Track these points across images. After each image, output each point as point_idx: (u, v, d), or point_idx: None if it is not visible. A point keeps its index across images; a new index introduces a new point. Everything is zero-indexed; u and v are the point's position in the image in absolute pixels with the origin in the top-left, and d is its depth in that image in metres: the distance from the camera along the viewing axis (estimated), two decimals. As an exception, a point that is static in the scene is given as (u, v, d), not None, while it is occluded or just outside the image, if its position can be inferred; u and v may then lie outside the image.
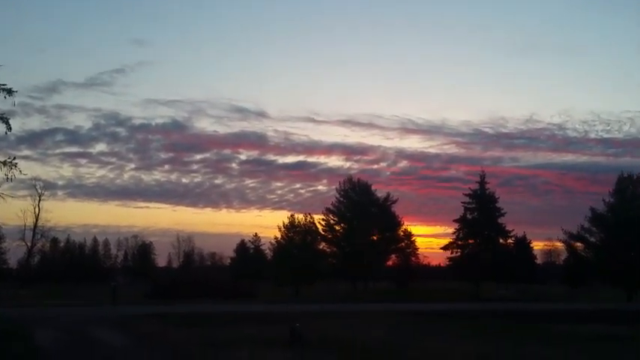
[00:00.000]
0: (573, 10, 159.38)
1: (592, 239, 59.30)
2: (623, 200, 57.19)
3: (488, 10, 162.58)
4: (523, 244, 79.23)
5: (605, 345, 18.14)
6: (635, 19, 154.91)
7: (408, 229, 75.83)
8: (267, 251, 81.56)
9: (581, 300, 53.31)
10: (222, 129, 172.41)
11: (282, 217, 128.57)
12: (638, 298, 54.92)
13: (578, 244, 60.47)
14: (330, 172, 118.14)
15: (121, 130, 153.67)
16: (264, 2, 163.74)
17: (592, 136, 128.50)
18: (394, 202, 72.76)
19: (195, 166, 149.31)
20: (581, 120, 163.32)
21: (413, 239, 76.91)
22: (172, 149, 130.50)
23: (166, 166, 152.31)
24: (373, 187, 73.04)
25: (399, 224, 72.89)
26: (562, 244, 64.95)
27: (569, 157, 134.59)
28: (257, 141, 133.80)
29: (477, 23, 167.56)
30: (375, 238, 71.27)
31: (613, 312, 34.86)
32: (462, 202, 63.07)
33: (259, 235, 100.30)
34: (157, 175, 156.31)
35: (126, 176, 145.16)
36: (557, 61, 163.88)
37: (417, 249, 78.03)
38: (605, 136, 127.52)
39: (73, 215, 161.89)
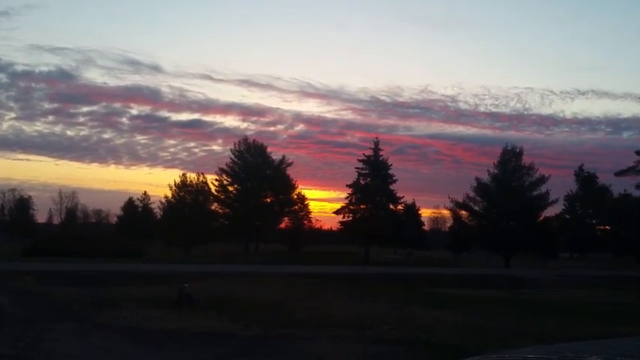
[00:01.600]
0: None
1: (476, 208, 61.81)
2: (505, 171, 59.91)
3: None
4: (412, 210, 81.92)
5: (483, 306, 18.96)
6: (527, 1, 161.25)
7: (302, 193, 76.47)
8: (157, 210, 79.80)
9: (464, 265, 55.76)
10: (112, 81, 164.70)
11: (174, 175, 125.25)
12: (516, 263, 58.06)
13: (463, 212, 62.88)
14: (226, 132, 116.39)
15: (2, 77, 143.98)
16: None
17: (482, 109, 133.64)
18: (289, 165, 73.06)
19: (81, 119, 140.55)
20: (472, 93, 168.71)
21: (306, 203, 77.63)
22: (57, 99, 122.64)
23: (50, 117, 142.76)
24: (269, 150, 72.96)
25: (293, 187, 73.29)
26: (448, 212, 67.51)
27: (459, 129, 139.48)
28: (150, 96, 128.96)
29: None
30: (268, 200, 71.36)
31: (492, 276, 36.63)
32: (356, 168, 64.01)
33: (149, 193, 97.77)
34: (40, 127, 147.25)
35: (5, 126, 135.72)
36: (452, 35, 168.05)
37: (310, 212, 78.87)
38: (494, 110, 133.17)
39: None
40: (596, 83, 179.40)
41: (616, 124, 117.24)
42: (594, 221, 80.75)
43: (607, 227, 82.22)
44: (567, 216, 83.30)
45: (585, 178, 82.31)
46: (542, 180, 60.05)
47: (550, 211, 64.21)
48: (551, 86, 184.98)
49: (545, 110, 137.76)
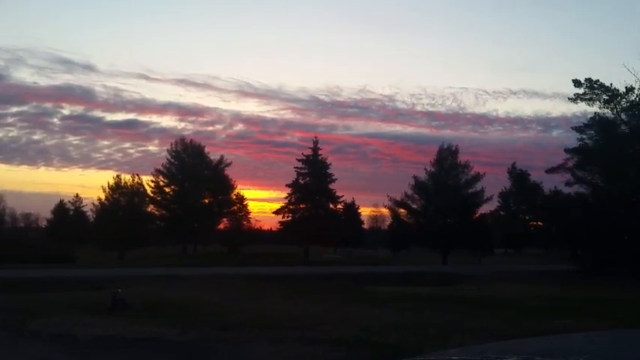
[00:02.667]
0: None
1: (414, 206, 62.68)
2: (441, 170, 60.99)
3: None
4: (352, 209, 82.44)
5: (421, 304, 19.10)
6: (459, 2, 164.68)
7: (241, 193, 75.94)
8: (90, 213, 77.82)
9: (403, 263, 56.33)
10: (43, 81, 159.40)
11: (108, 177, 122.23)
12: (453, 260, 59.05)
13: (402, 210, 63.65)
14: (163, 133, 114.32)
15: None
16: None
17: (419, 108, 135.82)
18: (227, 165, 72.45)
19: (10, 119, 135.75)
20: (409, 93, 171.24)
21: (245, 203, 77.15)
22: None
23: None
24: (207, 150, 72.17)
25: (231, 187, 72.73)
26: (387, 210, 68.17)
27: (397, 128, 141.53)
28: (83, 96, 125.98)
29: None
30: (206, 201, 70.56)
31: (430, 274, 37.04)
32: (295, 168, 64.00)
33: (81, 195, 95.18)
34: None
35: None
36: (390, 36, 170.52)
37: (249, 213, 78.37)
38: (430, 109, 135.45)
39: None
40: (527, 83, 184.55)
41: (546, 123, 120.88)
42: (527, 217, 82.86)
43: (539, 223, 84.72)
44: (502, 212, 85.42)
45: (518, 176, 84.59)
46: (477, 178, 61.44)
47: (485, 208, 65.82)
48: (485, 86, 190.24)
49: (480, 109, 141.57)
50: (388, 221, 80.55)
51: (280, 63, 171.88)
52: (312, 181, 62.77)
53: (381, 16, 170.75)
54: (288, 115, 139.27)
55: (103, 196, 64.49)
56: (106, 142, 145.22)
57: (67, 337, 13.03)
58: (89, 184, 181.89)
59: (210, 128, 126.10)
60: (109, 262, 50.60)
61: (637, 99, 43.18)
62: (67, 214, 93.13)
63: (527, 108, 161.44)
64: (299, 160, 63.85)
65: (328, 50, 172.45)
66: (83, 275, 31.54)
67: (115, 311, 16.70)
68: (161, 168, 69.24)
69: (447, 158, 61.39)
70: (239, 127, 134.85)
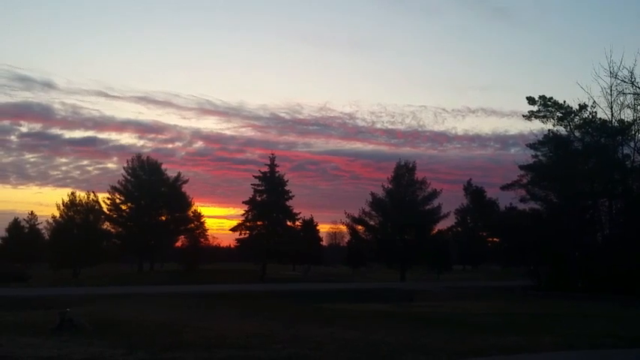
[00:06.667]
0: (364, 8, 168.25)
1: (372, 222, 62.80)
2: (399, 186, 61.36)
3: (290, 0, 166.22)
4: (310, 226, 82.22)
5: (374, 321, 19.06)
6: (418, 22, 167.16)
7: (199, 210, 75.06)
8: (45, 231, 76.10)
9: (361, 280, 56.36)
10: (1, 98, 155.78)
11: (65, 195, 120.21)
12: (411, 277, 59.33)
13: (359, 227, 63.71)
14: (122, 150, 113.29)
15: None
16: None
17: (378, 126, 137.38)
18: (185, 182, 71.70)
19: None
20: (369, 111, 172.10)
21: (203, 220, 76.21)
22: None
23: None
24: (165, 167, 71.48)
25: (189, 205, 71.88)
26: (345, 227, 68.18)
27: (357, 145, 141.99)
28: (41, 113, 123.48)
29: (279, 11, 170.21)
30: (163, 218, 69.66)
31: (386, 290, 37.17)
32: (252, 184, 63.51)
33: (37, 213, 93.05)
34: None
35: None
36: (350, 55, 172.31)
37: (206, 230, 77.37)
38: (390, 127, 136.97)
39: None
40: (485, 102, 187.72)
41: (504, 141, 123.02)
42: (484, 234, 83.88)
43: (496, 239, 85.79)
44: (459, 229, 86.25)
45: (474, 192, 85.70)
46: (435, 194, 61.93)
47: (443, 225, 66.30)
48: (444, 104, 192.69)
49: (439, 127, 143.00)
50: (347, 238, 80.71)
51: (241, 81, 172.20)
52: (269, 198, 62.34)
53: (341, 35, 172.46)
54: (248, 132, 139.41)
55: (57, 214, 63.25)
56: (64, 160, 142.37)
57: (8, 359, 12.60)
58: (46, 202, 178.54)
59: (170, 145, 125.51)
60: (62, 281, 49.44)
61: (590, 116, 44.19)
62: (22, 232, 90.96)
63: (486, 126, 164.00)
64: (256, 177, 63.43)
65: (289, 69, 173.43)
66: (34, 294, 30.76)
67: (62, 332, 16.24)
68: (117, 185, 68.28)
69: (405, 175, 61.80)
70: (199, 144, 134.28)
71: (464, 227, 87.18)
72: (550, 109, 44.88)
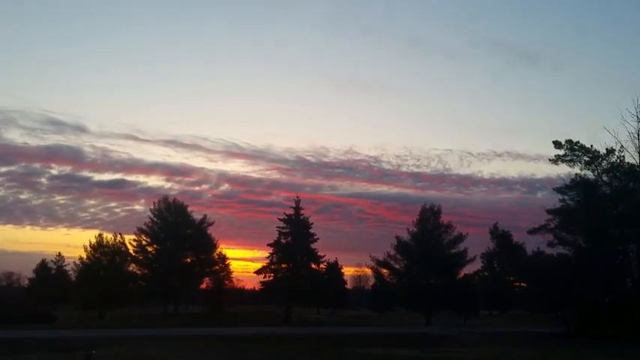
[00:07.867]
0: (390, 52, 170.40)
1: (396, 266, 62.19)
2: (424, 230, 60.85)
3: (318, 45, 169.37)
4: (335, 269, 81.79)
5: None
6: (444, 67, 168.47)
7: (224, 252, 75.11)
8: (72, 272, 76.59)
9: (385, 323, 55.74)
10: (33, 141, 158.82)
11: (93, 236, 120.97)
12: (438, 321, 58.45)
13: (384, 270, 63.13)
14: (150, 192, 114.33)
15: None
16: (86, 10, 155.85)
17: (404, 169, 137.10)
18: (211, 224, 71.85)
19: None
20: (395, 154, 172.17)
21: (228, 262, 76.17)
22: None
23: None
24: (192, 209, 71.62)
25: (214, 247, 71.91)
26: (370, 270, 67.64)
27: (383, 188, 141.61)
28: (72, 156, 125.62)
29: (305, 56, 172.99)
30: (188, 260, 69.80)
31: (411, 335, 36.71)
32: (277, 227, 63.58)
33: (65, 255, 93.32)
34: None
35: None
36: (376, 98, 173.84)
37: (231, 272, 77.34)
38: (416, 170, 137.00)
39: None
40: (511, 145, 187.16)
41: (530, 184, 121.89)
42: (512, 278, 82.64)
43: (523, 284, 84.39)
44: (485, 273, 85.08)
45: (500, 236, 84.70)
46: (460, 238, 61.23)
47: (469, 269, 65.38)
48: (469, 148, 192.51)
49: (464, 171, 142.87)
50: (372, 281, 80.00)
51: (268, 124, 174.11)
52: (293, 240, 62.26)
53: (367, 78, 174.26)
54: (274, 175, 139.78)
55: (84, 255, 63.82)
56: (92, 202, 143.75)
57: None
58: (73, 243, 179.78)
59: (197, 188, 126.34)
60: (88, 322, 49.69)
61: (617, 160, 43.75)
62: (49, 273, 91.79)
63: (512, 169, 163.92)
64: (281, 220, 63.46)
65: (315, 112, 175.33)
66: (61, 336, 30.96)
67: (87, 373, 16.37)
68: (143, 227, 68.71)
69: (430, 218, 61.34)
70: (225, 186, 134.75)
71: (490, 271, 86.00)
72: (577, 153, 44.56)
